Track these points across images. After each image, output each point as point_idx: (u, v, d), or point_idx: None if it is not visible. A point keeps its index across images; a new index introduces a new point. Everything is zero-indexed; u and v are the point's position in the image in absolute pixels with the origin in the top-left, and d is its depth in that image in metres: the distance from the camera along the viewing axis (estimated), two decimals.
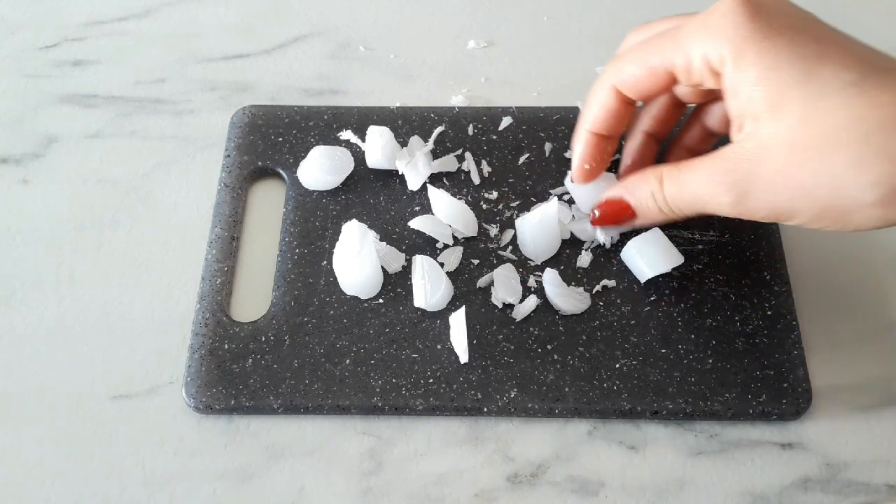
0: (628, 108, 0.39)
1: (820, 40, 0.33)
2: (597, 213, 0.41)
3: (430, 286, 0.40)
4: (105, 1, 0.54)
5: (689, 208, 0.37)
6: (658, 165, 0.38)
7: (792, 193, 0.33)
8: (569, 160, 0.45)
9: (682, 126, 0.43)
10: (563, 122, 0.47)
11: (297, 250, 0.43)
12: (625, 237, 0.42)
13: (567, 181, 0.44)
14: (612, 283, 0.42)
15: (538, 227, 0.42)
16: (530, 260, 0.42)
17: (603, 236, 0.42)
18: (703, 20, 0.34)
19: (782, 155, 0.33)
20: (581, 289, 0.41)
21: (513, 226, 0.43)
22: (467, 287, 0.42)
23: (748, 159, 0.34)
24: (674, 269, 0.42)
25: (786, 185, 0.33)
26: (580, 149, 0.41)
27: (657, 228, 0.41)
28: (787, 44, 0.32)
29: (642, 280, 0.41)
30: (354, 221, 0.42)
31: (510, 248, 0.43)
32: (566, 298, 0.40)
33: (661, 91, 0.37)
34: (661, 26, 0.38)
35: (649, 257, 0.41)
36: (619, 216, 0.40)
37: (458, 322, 0.39)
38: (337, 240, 0.42)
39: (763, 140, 0.33)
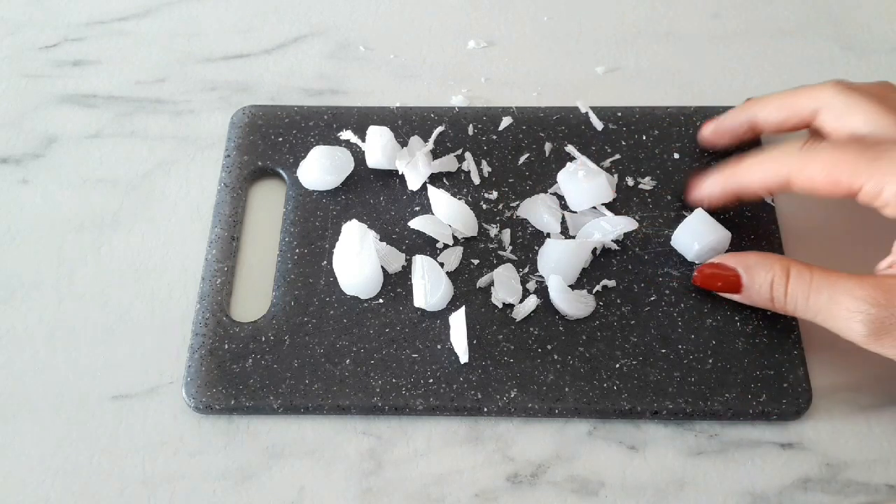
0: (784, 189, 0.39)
1: None
2: (697, 273, 0.40)
3: (430, 286, 0.40)
4: (105, 1, 0.54)
5: (808, 315, 0.37)
6: (785, 257, 0.38)
7: None
8: (567, 158, 0.45)
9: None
10: (563, 122, 0.47)
11: (297, 250, 0.43)
12: (626, 238, 0.43)
13: (559, 177, 0.44)
14: (612, 283, 0.42)
15: (568, 253, 0.41)
16: (536, 270, 0.42)
17: (602, 235, 0.42)
18: None
19: None
20: (584, 291, 0.41)
21: (511, 226, 0.43)
22: (467, 287, 0.42)
23: None
24: (674, 269, 0.42)
25: None
26: (715, 195, 0.41)
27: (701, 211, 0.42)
28: None
29: (689, 258, 0.42)
30: (354, 221, 0.42)
31: (510, 248, 0.43)
32: (571, 303, 0.40)
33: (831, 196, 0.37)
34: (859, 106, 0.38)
35: (700, 234, 0.41)
36: (723, 286, 0.39)
37: (458, 322, 0.39)
38: (337, 240, 0.42)
39: None
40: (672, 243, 0.42)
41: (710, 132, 0.44)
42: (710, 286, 0.40)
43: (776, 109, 0.41)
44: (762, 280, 0.38)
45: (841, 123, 0.38)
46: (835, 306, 0.35)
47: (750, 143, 0.44)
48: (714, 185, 0.42)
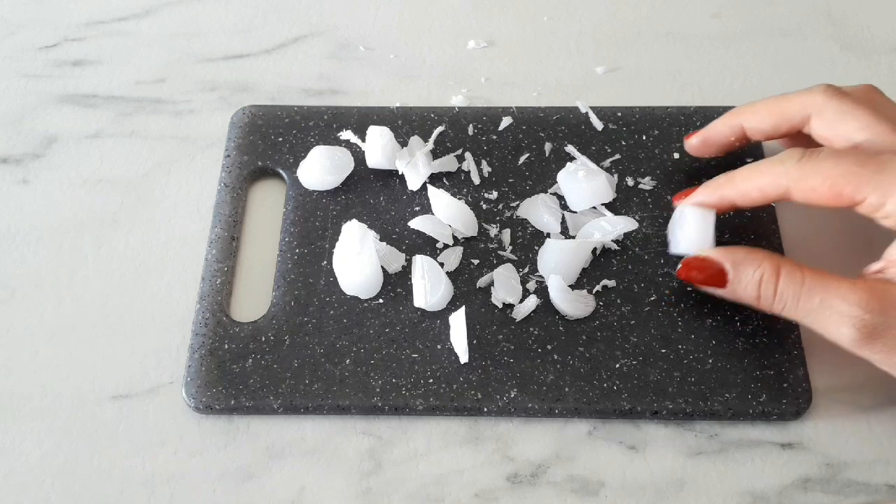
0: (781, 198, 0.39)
1: None
2: (682, 266, 0.39)
3: (430, 286, 0.40)
4: (105, 1, 0.54)
5: (795, 315, 0.36)
6: (774, 253, 0.37)
7: None
8: (567, 158, 0.45)
9: None
10: (562, 122, 0.47)
11: (297, 250, 0.43)
12: (626, 238, 0.43)
13: (559, 177, 0.44)
14: (612, 283, 0.42)
15: (568, 253, 0.41)
16: (536, 270, 0.42)
17: (602, 235, 0.42)
18: None
19: None
20: (584, 291, 0.41)
21: (511, 226, 0.43)
22: (467, 287, 0.42)
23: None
24: (674, 269, 0.42)
25: None
26: (710, 204, 0.40)
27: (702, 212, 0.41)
28: None
29: (672, 252, 0.41)
30: (354, 221, 0.42)
31: (510, 248, 0.43)
32: (571, 303, 0.40)
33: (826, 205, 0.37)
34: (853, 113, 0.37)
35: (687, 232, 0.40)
36: (708, 280, 0.38)
37: (458, 322, 0.39)
38: (337, 240, 0.42)
39: None
40: (673, 252, 0.42)
41: (698, 143, 0.43)
42: (694, 280, 0.38)
43: (765, 117, 0.40)
44: (750, 277, 0.37)
45: (834, 130, 0.38)
46: (826, 310, 0.35)
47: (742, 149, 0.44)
48: (709, 193, 0.40)
